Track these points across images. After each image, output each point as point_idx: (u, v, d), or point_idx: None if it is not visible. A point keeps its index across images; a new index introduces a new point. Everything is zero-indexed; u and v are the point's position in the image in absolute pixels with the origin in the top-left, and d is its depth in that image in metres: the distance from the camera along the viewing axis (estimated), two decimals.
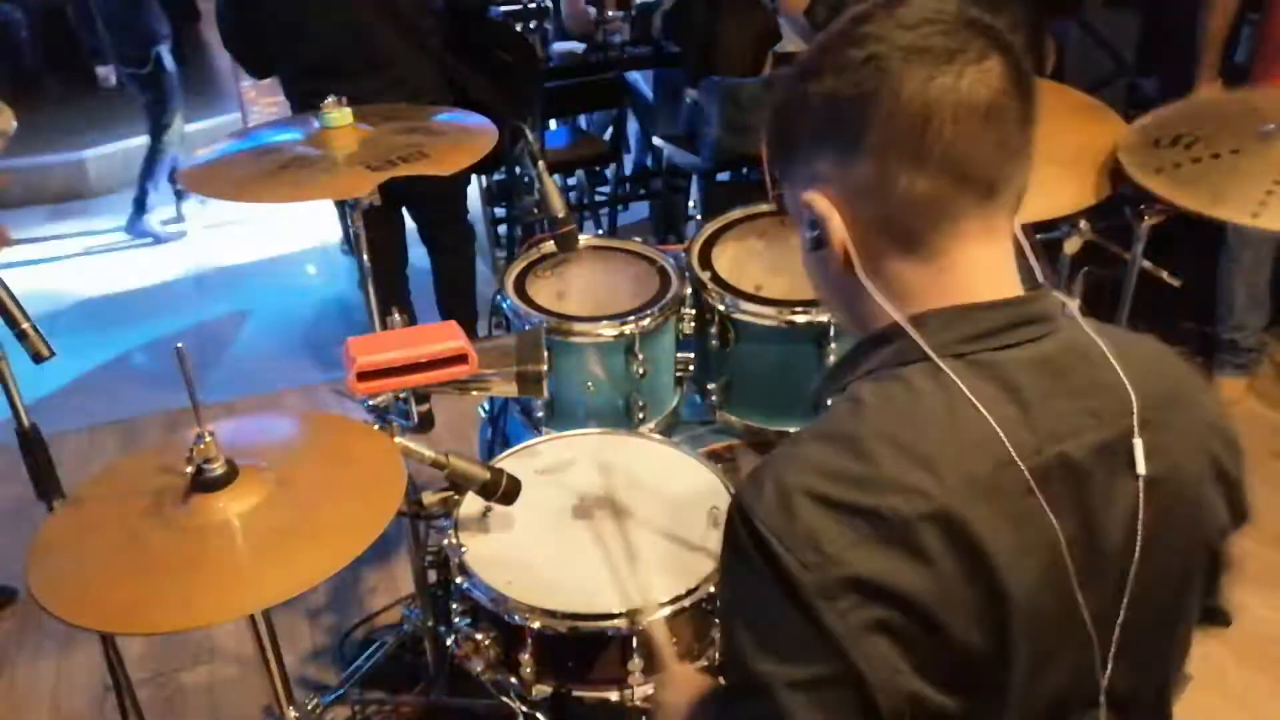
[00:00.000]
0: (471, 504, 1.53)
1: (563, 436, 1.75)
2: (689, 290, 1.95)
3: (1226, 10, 2.72)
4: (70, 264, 4.75)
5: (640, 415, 1.90)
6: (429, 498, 1.57)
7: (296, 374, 3.62)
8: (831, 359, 1.80)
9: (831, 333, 1.78)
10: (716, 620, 1.41)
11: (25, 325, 1.44)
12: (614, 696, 1.38)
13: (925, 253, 0.75)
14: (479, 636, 1.40)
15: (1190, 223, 1.90)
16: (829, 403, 0.79)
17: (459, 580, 1.44)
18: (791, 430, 1.89)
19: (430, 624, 1.96)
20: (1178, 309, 3.30)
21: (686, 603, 1.35)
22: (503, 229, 4.29)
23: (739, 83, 3.36)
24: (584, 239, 1.99)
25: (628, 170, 4.61)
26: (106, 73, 4.62)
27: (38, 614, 1.06)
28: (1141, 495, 0.74)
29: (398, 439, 1.46)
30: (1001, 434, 0.69)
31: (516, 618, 1.36)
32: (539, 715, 1.40)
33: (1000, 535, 0.68)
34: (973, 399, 0.70)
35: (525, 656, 1.38)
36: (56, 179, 5.58)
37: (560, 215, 1.79)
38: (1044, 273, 0.83)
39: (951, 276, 0.75)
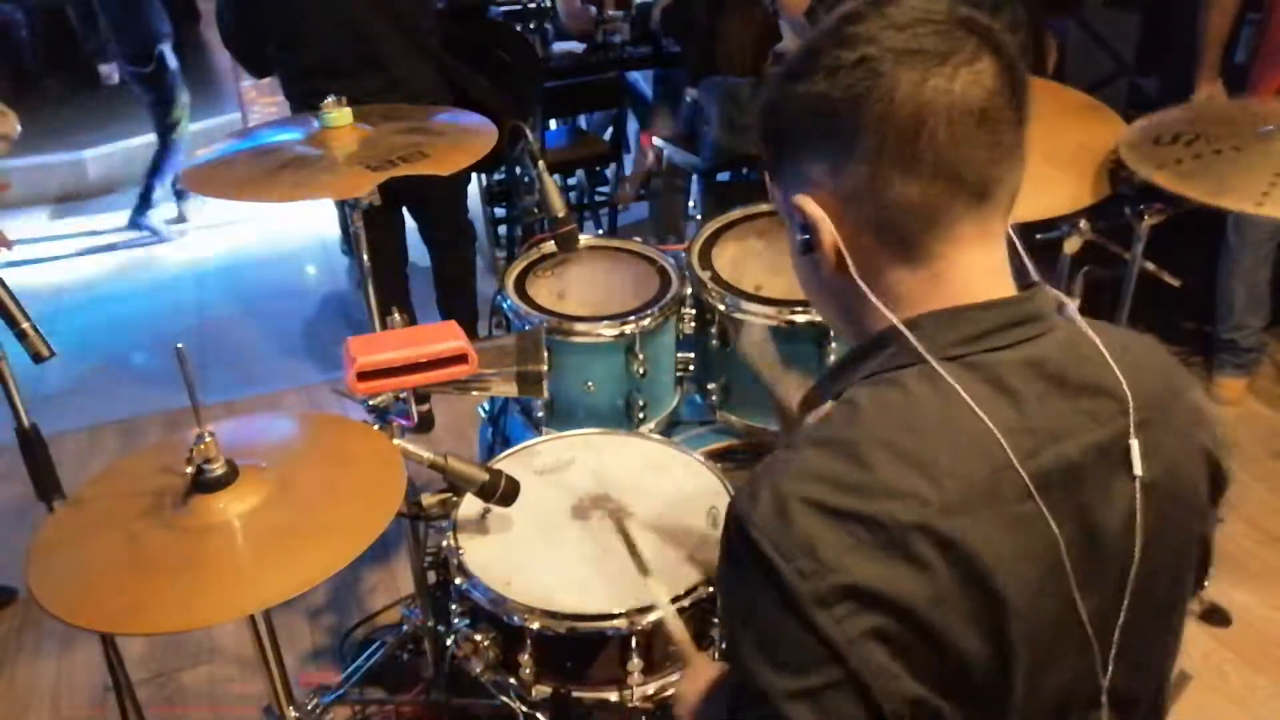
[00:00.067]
0: (470, 505, 1.53)
1: (563, 436, 1.75)
2: (689, 290, 1.95)
3: (1227, 10, 2.72)
4: (70, 264, 4.75)
5: (640, 415, 1.90)
6: (428, 499, 1.57)
7: (296, 374, 3.62)
8: (831, 359, 1.80)
9: (831, 333, 1.78)
10: (716, 620, 1.41)
11: (25, 325, 1.44)
12: (613, 697, 1.38)
13: (919, 257, 0.74)
14: (478, 637, 1.40)
15: (1190, 223, 1.91)
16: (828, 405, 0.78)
17: (458, 581, 1.44)
18: None
19: (430, 624, 1.96)
20: (1178, 309, 3.30)
21: (686, 602, 1.35)
22: (503, 229, 4.29)
23: (739, 82, 3.36)
24: (584, 239, 1.99)
25: (628, 170, 4.61)
26: (109, 71, 4.63)
27: (38, 614, 1.06)
28: (1139, 497, 0.74)
29: (396, 442, 1.46)
30: (1000, 437, 0.69)
31: (516, 618, 1.36)
32: (539, 715, 1.40)
33: (999, 541, 0.67)
34: (970, 402, 0.70)
35: (525, 657, 1.38)
36: (57, 178, 5.58)
37: (560, 215, 1.79)
38: (1036, 271, 0.82)
39: (946, 280, 0.75)
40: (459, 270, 3.24)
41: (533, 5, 4.23)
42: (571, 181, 4.56)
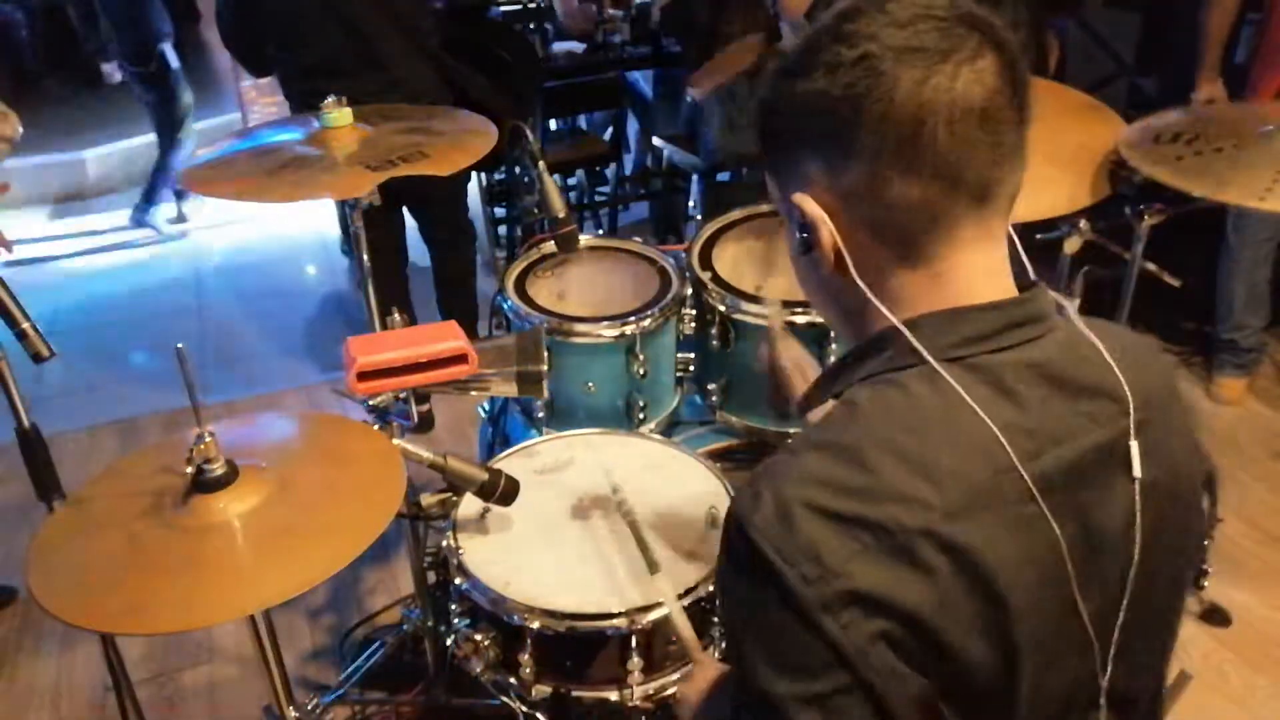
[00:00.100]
0: (470, 505, 1.53)
1: (562, 436, 1.75)
2: (689, 290, 1.95)
3: (1227, 10, 2.72)
4: (70, 264, 4.75)
5: (640, 415, 1.90)
6: (428, 499, 1.57)
7: (296, 374, 3.62)
8: (832, 359, 1.80)
9: (832, 333, 1.78)
10: (716, 619, 1.41)
11: (25, 325, 1.44)
12: (613, 696, 1.38)
13: (919, 258, 0.73)
14: (478, 637, 1.40)
15: (1190, 223, 1.91)
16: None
17: (458, 581, 1.44)
18: (791, 431, 1.89)
19: (430, 624, 1.96)
20: (1178, 309, 3.31)
21: (686, 602, 1.35)
22: (503, 229, 4.29)
23: (738, 82, 3.36)
24: (584, 239, 1.99)
25: (628, 170, 4.61)
26: (111, 69, 4.64)
27: (38, 614, 1.06)
28: (1139, 498, 0.74)
29: (396, 442, 1.46)
30: (1002, 438, 0.68)
31: (515, 618, 1.36)
32: (539, 715, 1.40)
33: (1002, 544, 0.67)
34: (972, 404, 0.69)
35: (524, 657, 1.38)
36: (57, 178, 5.58)
37: (560, 215, 1.79)
38: (1036, 271, 0.82)
39: (946, 281, 0.74)
40: (459, 270, 3.24)
41: (533, 5, 4.24)
42: (571, 181, 4.56)
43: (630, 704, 1.37)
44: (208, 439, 1.17)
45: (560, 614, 1.35)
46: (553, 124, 4.48)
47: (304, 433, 1.44)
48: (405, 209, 3.00)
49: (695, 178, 3.79)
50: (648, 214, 4.66)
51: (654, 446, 1.71)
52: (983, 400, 0.70)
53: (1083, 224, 1.92)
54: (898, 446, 0.68)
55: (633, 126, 4.54)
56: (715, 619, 1.41)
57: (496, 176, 4.08)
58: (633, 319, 1.83)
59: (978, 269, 0.74)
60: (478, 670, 1.41)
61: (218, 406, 3.30)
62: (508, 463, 1.64)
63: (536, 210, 1.80)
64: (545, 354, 1.56)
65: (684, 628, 1.28)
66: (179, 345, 1.17)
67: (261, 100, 5.65)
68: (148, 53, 4.41)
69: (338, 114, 1.73)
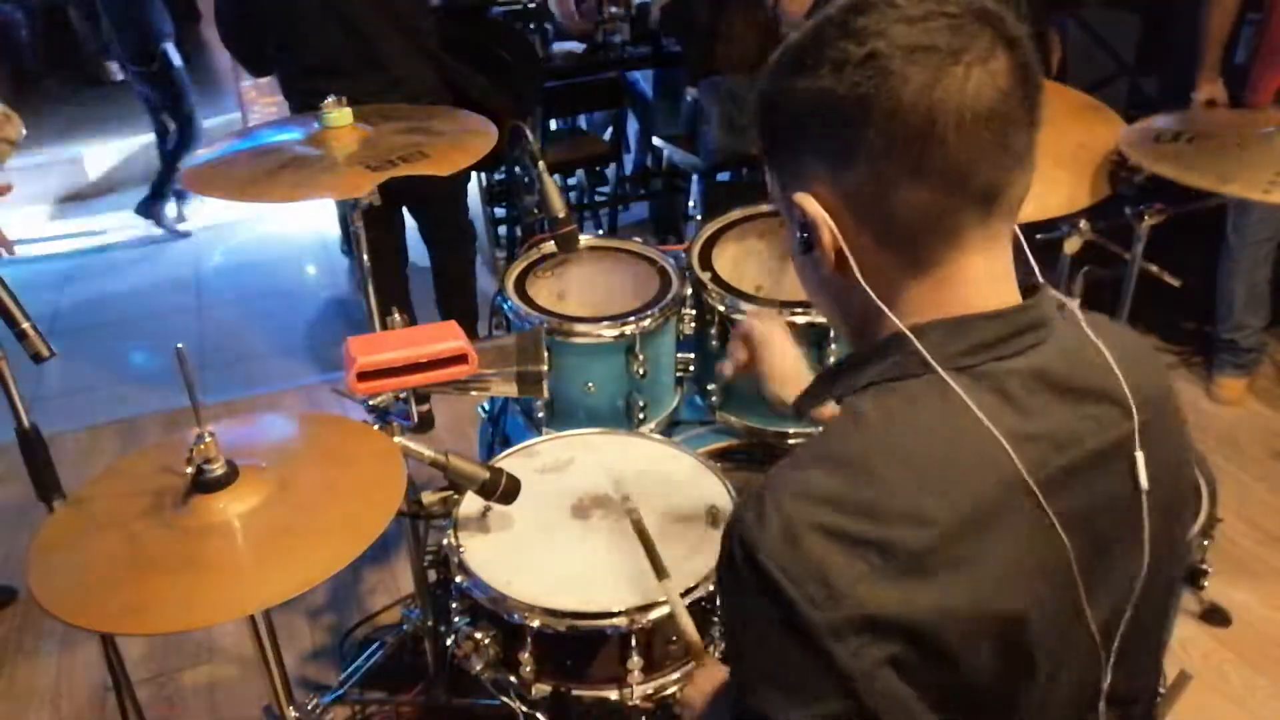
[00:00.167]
0: (471, 503, 1.53)
1: (562, 436, 1.75)
2: (689, 290, 1.95)
3: (1227, 10, 2.72)
4: (70, 263, 4.75)
5: (640, 415, 1.90)
6: (429, 497, 1.57)
7: (296, 374, 3.62)
8: (832, 360, 1.80)
9: (832, 334, 1.78)
10: (717, 619, 1.41)
11: (25, 325, 1.44)
12: (613, 695, 1.38)
13: (923, 262, 0.72)
14: (478, 635, 1.40)
15: (1190, 223, 1.91)
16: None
17: (458, 579, 1.44)
18: (791, 431, 1.89)
19: (430, 624, 1.96)
20: (1178, 309, 3.31)
21: (686, 601, 1.35)
22: (503, 229, 4.29)
23: (739, 82, 3.36)
24: (584, 239, 1.99)
25: (628, 170, 4.61)
26: (116, 68, 4.66)
27: (38, 614, 1.06)
28: (1146, 508, 0.74)
29: (397, 439, 1.46)
30: (1010, 449, 0.67)
31: (516, 617, 1.36)
32: (538, 715, 1.40)
33: (1012, 556, 0.66)
34: (980, 415, 0.68)
35: (525, 655, 1.38)
36: (57, 178, 5.58)
37: (560, 215, 1.78)
38: (1036, 270, 0.81)
39: (950, 287, 0.72)
40: (459, 270, 3.24)
41: (533, 5, 4.24)
42: (571, 181, 4.56)
43: (630, 703, 1.37)
44: (208, 439, 1.16)
45: (561, 613, 1.35)
46: (553, 124, 4.48)
47: (304, 433, 1.44)
48: (405, 209, 3.00)
49: (695, 178, 3.79)
50: (648, 214, 4.66)
51: (654, 446, 1.71)
52: (988, 409, 0.68)
53: (1083, 224, 1.92)
54: (904, 460, 0.67)
55: (633, 126, 4.54)
56: (716, 619, 1.41)
57: (496, 176, 4.08)
58: (633, 319, 1.83)
59: (982, 274, 0.73)
60: (478, 669, 1.41)
61: (218, 406, 3.30)
62: (508, 462, 1.64)
63: (536, 210, 1.80)
64: (545, 354, 1.56)
65: (689, 630, 1.28)
66: (179, 345, 1.17)
67: (261, 100, 5.66)
68: (150, 52, 4.42)
69: (338, 114, 1.73)
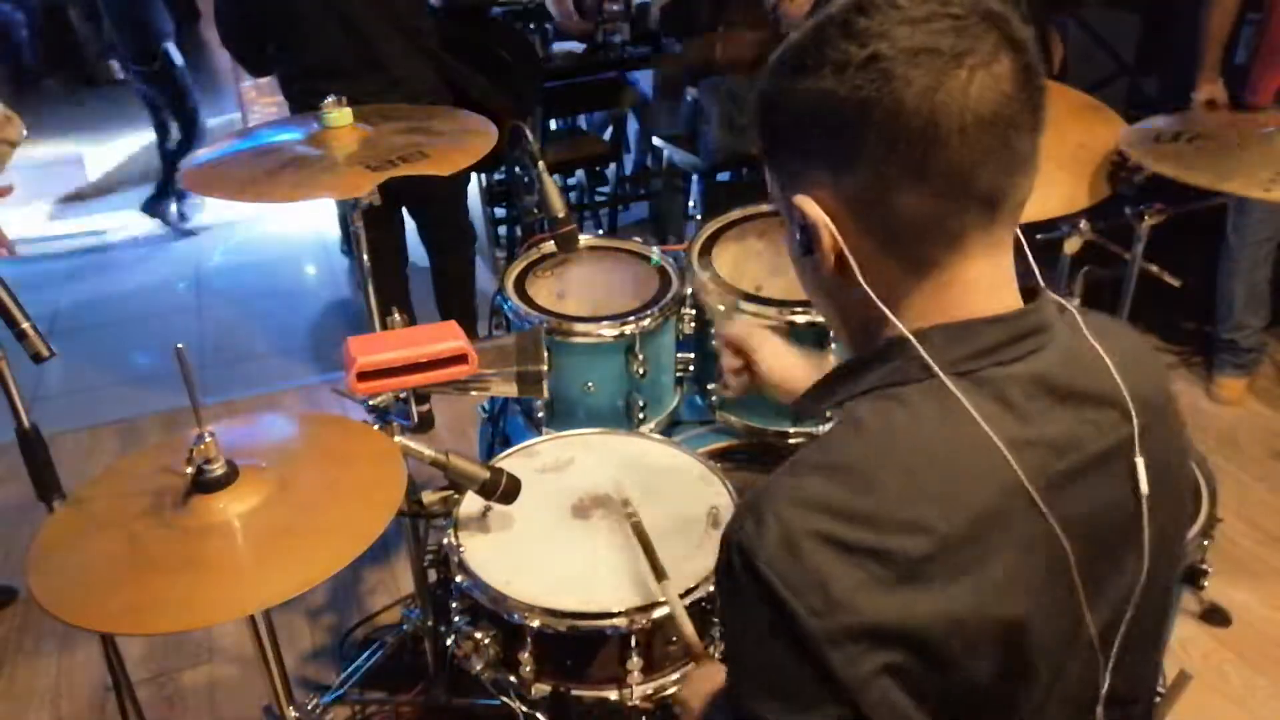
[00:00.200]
0: (471, 503, 1.53)
1: (562, 436, 1.75)
2: (689, 290, 1.95)
3: (1227, 10, 2.72)
4: (70, 263, 4.75)
5: (640, 415, 1.90)
6: (429, 497, 1.57)
7: (296, 374, 3.62)
8: (832, 360, 1.79)
9: (832, 334, 1.78)
10: (717, 620, 1.41)
11: (25, 325, 1.44)
12: (613, 696, 1.38)
13: (924, 267, 0.71)
14: (478, 635, 1.40)
15: (1190, 223, 1.91)
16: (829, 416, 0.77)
17: (458, 579, 1.44)
18: (791, 431, 1.89)
19: (430, 624, 1.96)
20: (1178, 309, 3.31)
21: (686, 602, 1.35)
22: (503, 229, 4.29)
23: (739, 82, 3.36)
24: (584, 239, 1.99)
25: (628, 170, 4.61)
26: (117, 67, 4.67)
27: (38, 614, 1.06)
28: (1146, 513, 0.74)
29: (397, 439, 1.46)
30: (1010, 457, 0.67)
31: (516, 616, 1.36)
32: (538, 715, 1.40)
33: (1011, 562, 0.66)
34: (981, 422, 0.67)
35: (524, 655, 1.38)
36: (57, 178, 5.59)
37: (560, 215, 1.78)
38: (1037, 272, 0.80)
39: (951, 292, 0.72)
40: (459, 271, 3.24)
41: (533, 5, 4.24)
42: (571, 181, 4.56)
43: (630, 703, 1.37)
44: (208, 439, 1.16)
45: (560, 613, 1.35)
46: (553, 124, 4.48)
47: (304, 433, 1.44)
48: (405, 210, 3.00)
49: (695, 178, 3.79)
50: (648, 214, 4.66)
51: (654, 446, 1.71)
52: (989, 416, 0.68)
53: (1083, 224, 1.92)
54: (903, 469, 0.66)
55: (633, 126, 4.54)
56: (716, 620, 1.41)
57: (496, 177, 4.09)
58: (633, 319, 1.83)
59: (984, 279, 0.72)
60: (477, 669, 1.41)
61: (218, 406, 3.30)
62: (508, 462, 1.64)
63: (536, 210, 1.80)
64: (545, 354, 1.56)
65: (688, 631, 1.28)
66: (179, 345, 1.17)
67: (261, 100, 5.67)
68: (151, 51, 4.43)
69: (338, 114, 1.73)
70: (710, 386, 1.96)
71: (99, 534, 1.18)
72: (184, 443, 1.19)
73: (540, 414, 1.91)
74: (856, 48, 0.66)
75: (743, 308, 1.83)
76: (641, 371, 1.84)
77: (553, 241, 1.87)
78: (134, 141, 5.86)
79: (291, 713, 1.49)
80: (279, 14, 2.63)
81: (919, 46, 0.65)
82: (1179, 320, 3.37)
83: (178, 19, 4.56)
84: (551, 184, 1.77)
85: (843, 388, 0.77)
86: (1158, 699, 1.35)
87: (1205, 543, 1.54)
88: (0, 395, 1.50)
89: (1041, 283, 0.77)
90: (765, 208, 2.07)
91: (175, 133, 4.80)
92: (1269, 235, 2.88)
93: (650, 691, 1.38)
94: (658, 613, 1.34)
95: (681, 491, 1.57)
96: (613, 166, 4.45)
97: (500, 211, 4.27)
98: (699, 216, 3.76)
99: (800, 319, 1.78)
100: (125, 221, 5.04)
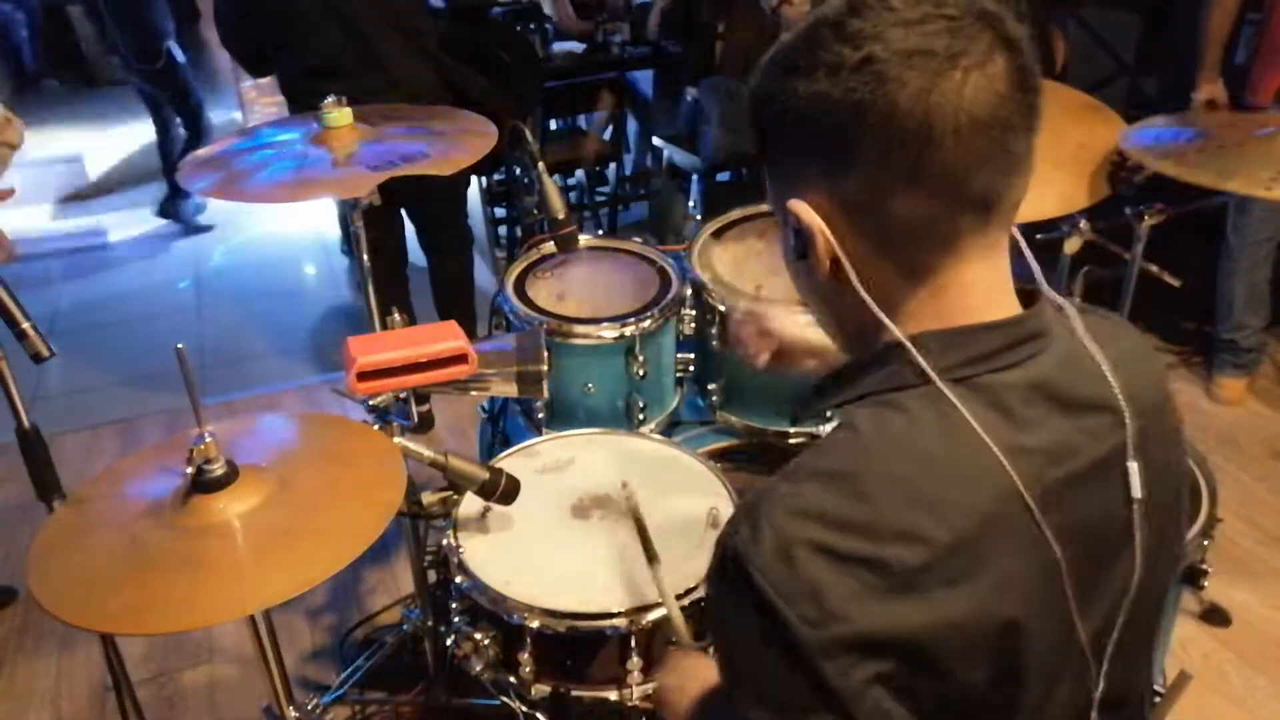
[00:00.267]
0: (471, 504, 1.53)
1: (562, 436, 1.75)
2: (689, 290, 1.95)
3: (1227, 10, 2.72)
4: (70, 263, 4.75)
5: (640, 416, 1.90)
6: (428, 497, 1.57)
7: (296, 374, 3.62)
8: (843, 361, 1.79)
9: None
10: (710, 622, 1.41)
11: (25, 325, 1.44)
12: (613, 696, 1.38)
13: (919, 271, 0.71)
14: (478, 636, 1.40)
15: (1190, 223, 1.91)
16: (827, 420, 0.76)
17: (458, 579, 1.44)
18: (791, 431, 1.89)
19: (430, 624, 1.96)
20: (1178, 309, 3.31)
21: (685, 602, 1.35)
22: (503, 229, 4.29)
23: (739, 82, 3.36)
24: (584, 239, 1.99)
25: (628, 170, 4.61)
26: (120, 65, 4.68)
27: (38, 614, 1.06)
28: (1138, 517, 0.73)
29: (397, 439, 1.46)
30: (1007, 464, 0.67)
31: (515, 617, 1.36)
32: (538, 715, 1.40)
33: (1005, 571, 0.66)
34: (979, 429, 0.67)
35: (524, 656, 1.38)
36: (57, 178, 5.58)
37: (560, 216, 1.78)
38: (1038, 272, 0.80)
39: (947, 296, 0.71)
40: (458, 273, 3.23)
41: (533, 5, 4.24)
42: (571, 181, 4.56)
43: (630, 704, 1.37)
44: (208, 439, 1.16)
45: (560, 613, 1.35)
46: (553, 124, 4.48)
47: (304, 433, 1.44)
48: (404, 212, 3.00)
49: (695, 178, 3.79)
50: (648, 214, 4.66)
51: (654, 447, 1.71)
52: (985, 423, 0.68)
53: (1083, 224, 1.92)
54: (900, 478, 0.66)
55: (633, 126, 4.54)
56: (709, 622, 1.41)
57: (496, 177, 4.08)
58: (633, 319, 1.83)
59: (981, 282, 0.72)
60: (477, 669, 1.41)
61: (218, 406, 3.30)
62: (508, 463, 1.64)
63: (536, 210, 1.80)
64: (545, 354, 1.56)
65: (676, 616, 1.28)
66: (179, 345, 1.17)
67: (261, 100, 5.67)
68: (153, 51, 4.43)
69: (338, 114, 1.73)
70: (710, 386, 1.96)
71: (99, 534, 1.18)
72: (184, 443, 1.19)
73: (540, 414, 1.91)
74: (850, 50, 0.65)
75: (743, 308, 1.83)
76: (642, 372, 1.84)
77: (553, 242, 1.87)
78: (134, 141, 5.86)
79: (291, 713, 1.49)
80: (279, 14, 2.63)
81: (913, 48, 0.64)
82: (1179, 320, 3.37)
83: (178, 19, 4.57)
84: (551, 184, 1.77)
85: (839, 392, 0.76)
86: (1157, 699, 1.35)
87: (1205, 543, 1.54)
88: (0, 395, 1.50)
89: (1043, 284, 0.77)
90: (765, 208, 2.07)
91: (176, 131, 4.80)
92: (1269, 235, 2.88)
93: (651, 691, 1.38)
94: (657, 613, 1.34)
95: (681, 492, 1.57)
96: (613, 166, 4.45)
97: (500, 212, 4.27)
98: (699, 216, 3.76)
99: (800, 318, 1.77)
100: (125, 221, 5.03)
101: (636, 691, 1.37)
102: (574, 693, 1.39)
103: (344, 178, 1.64)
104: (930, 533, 0.64)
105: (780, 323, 1.28)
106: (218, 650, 2.36)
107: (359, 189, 1.62)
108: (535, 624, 1.35)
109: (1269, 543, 2.54)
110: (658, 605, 1.34)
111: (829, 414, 1.52)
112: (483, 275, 3.68)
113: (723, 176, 3.68)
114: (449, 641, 1.47)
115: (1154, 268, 1.99)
